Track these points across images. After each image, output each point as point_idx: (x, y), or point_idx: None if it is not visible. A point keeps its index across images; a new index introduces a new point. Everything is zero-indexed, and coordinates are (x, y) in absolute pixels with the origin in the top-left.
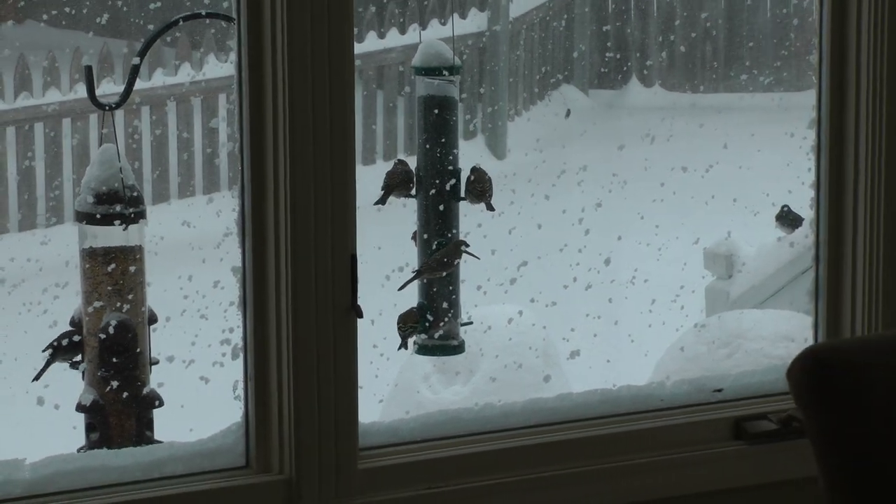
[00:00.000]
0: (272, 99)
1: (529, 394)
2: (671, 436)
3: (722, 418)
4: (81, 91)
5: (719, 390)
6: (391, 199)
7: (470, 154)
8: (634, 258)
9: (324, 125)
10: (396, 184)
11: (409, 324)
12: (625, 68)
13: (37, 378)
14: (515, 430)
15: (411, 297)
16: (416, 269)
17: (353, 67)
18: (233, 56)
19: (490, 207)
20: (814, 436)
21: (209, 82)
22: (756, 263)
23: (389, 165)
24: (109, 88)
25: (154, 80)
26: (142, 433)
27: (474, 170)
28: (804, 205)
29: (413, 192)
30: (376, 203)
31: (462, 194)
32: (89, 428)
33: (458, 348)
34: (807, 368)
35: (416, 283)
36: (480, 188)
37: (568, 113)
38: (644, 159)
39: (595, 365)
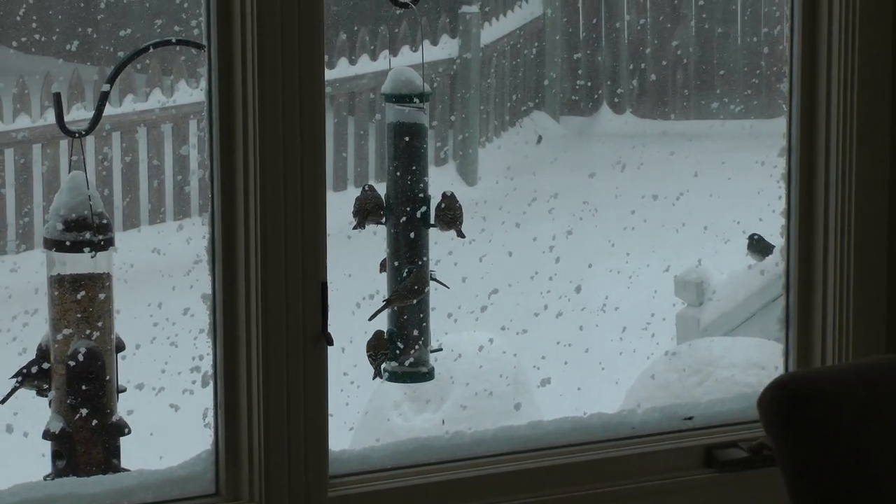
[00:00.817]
0: (242, 125)
1: (500, 421)
2: (642, 464)
3: (693, 446)
4: (52, 117)
5: (690, 418)
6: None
7: (441, 181)
8: (605, 286)
9: (294, 152)
10: (369, 209)
11: (379, 351)
12: (596, 96)
13: (2, 401)
14: (486, 458)
15: (381, 325)
16: (387, 297)
17: (323, 94)
18: (203, 83)
19: (461, 234)
20: (784, 465)
21: (179, 108)
22: (727, 291)
23: (360, 192)
24: (80, 115)
25: (125, 105)
26: (109, 461)
27: (445, 196)
28: (774, 232)
29: (383, 219)
30: (355, 227)
31: (432, 221)
32: (56, 455)
33: (428, 375)
34: (777, 398)
35: (385, 311)
36: (451, 215)
37: (539, 139)
38: (615, 187)
39: (566, 392)
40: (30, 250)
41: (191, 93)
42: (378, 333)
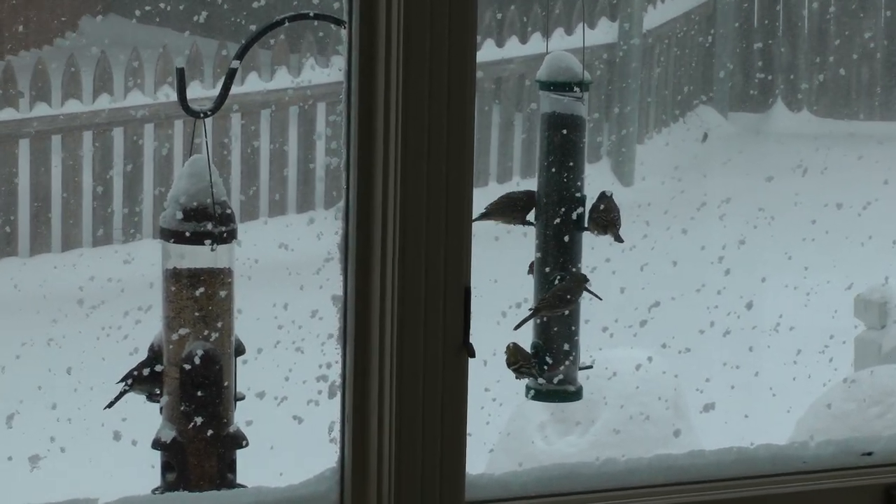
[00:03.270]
0: (384, 111)
1: (656, 449)
2: (814, 502)
3: (871, 485)
4: (165, 94)
5: (869, 453)
6: (508, 227)
7: (593, 179)
8: (779, 303)
9: (440, 142)
10: (497, 209)
11: (521, 366)
12: (777, 91)
13: (109, 406)
14: (641, 489)
15: (526, 336)
16: (534, 305)
17: (474, 80)
18: (335, 61)
19: (618, 238)
20: None
21: (314, 89)
22: None
23: (504, 188)
24: (199, 92)
25: (247, 84)
26: (223, 475)
27: (604, 197)
28: None
29: (531, 219)
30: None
31: (586, 223)
32: (166, 467)
33: (577, 395)
34: None
35: (532, 321)
36: (609, 218)
37: (705, 137)
38: (794, 193)
39: (731, 420)
40: (140, 240)
41: (323, 73)
42: (513, 347)
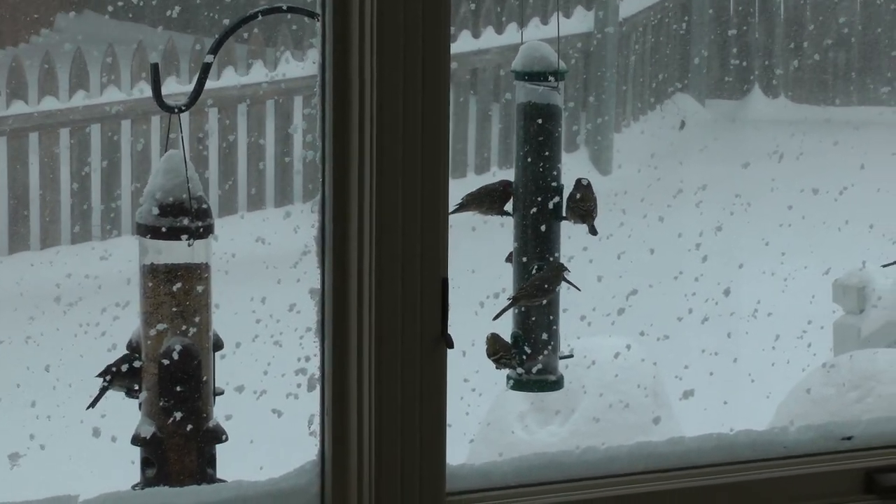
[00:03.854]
0: (359, 103)
1: (637, 437)
2: (795, 487)
3: (851, 469)
4: (141, 90)
5: (849, 438)
6: (485, 217)
7: (570, 169)
8: (757, 289)
9: (415, 134)
10: (474, 200)
11: (501, 357)
12: (752, 77)
13: (92, 405)
14: (621, 477)
15: (506, 326)
16: (513, 294)
17: (448, 71)
18: (311, 54)
19: (593, 231)
20: None
21: (288, 83)
22: (893, 297)
23: (482, 179)
24: (175, 88)
25: (223, 79)
26: (203, 470)
27: (581, 185)
28: None
29: (508, 209)
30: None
31: (563, 213)
32: (146, 463)
33: (557, 384)
34: None
35: (510, 311)
36: (585, 208)
37: (682, 124)
38: (771, 179)
39: (711, 406)
40: (118, 236)
41: (299, 66)
42: (492, 337)
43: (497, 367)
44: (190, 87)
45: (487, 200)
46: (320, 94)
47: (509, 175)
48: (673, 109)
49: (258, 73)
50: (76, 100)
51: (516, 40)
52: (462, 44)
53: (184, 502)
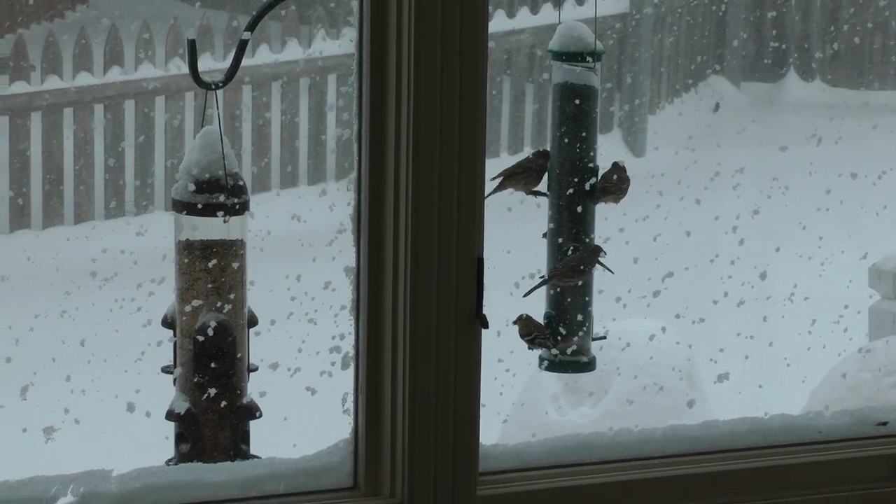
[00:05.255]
0: (395, 82)
1: (670, 420)
2: (828, 472)
3: (886, 455)
4: (176, 66)
5: (884, 423)
6: (523, 197)
7: (605, 150)
8: (794, 273)
9: (452, 113)
10: (511, 173)
11: (534, 333)
12: (790, 60)
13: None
14: (654, 460)
15: (539, 307)
16: (545, 274)
17: (486, 50)
18: (347, 33)
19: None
20: None
21: (322, 60)
22: None
23: (515, 158)
24: (209, 64)
25: (258, 56)
26: (237, 446)
27: (617, 167)
28: None
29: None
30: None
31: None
32: (179, 438)
33: (590, 365)
34: None
35: (544, 291)
36: (622, 188)
37: (717, 107)
38: (809, 163)
39: (745, 390)
40: (152, 212)
41: (334, 44)
42: (526, 318)
43: (530, 348)
44: (224, 65)
45: (524, 175)
46: (357, 73)
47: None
48: (709, 92)
49: (293, 51)
50: (111, 76)
51: (551, 20)
52: (497, 23)
53: (217, 478)
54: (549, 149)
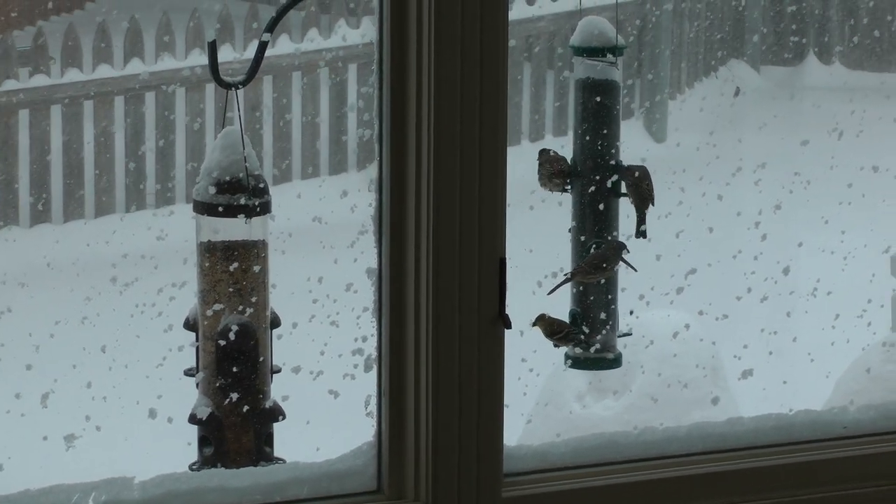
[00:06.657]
0: (416, 81)
1: (694, 416)
2: (854, 468)
3: None
4: (196, 59)
5: None
6: (544, 194)
7: (624, 135)
8: (817, 267)
9: (472, 107)
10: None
11: (565, 330)
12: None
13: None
14: (679, 458)
15: (563, 305)
16: (569, 271)
17: (507, 40)
18: (365, 22)
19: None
20: None
21: (343, 49)
22: None
23: (536, 146)
24: (229, 55)
25: (279, 47)
26: (261, 450)
27: (638, 166)
28: None
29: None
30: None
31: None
32: (203, 442)
33: (615, 362)
34: None
35: (568, 289)
36: (644, 186)
37: (737, 91)
38: (830, 156)
39: (770, 386)
40: (172, 215)
41: (356, 33)
42: (547, 319)
43: (556, 346)
44: (244, 57)
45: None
46: (377, 73)
47: (564, 143)
48: (728, 76)
49: (313, 42)
50: (131, 68)
51: (569, 7)
52: (516, 11)
53: (240, 483)
54: (571, 144)
